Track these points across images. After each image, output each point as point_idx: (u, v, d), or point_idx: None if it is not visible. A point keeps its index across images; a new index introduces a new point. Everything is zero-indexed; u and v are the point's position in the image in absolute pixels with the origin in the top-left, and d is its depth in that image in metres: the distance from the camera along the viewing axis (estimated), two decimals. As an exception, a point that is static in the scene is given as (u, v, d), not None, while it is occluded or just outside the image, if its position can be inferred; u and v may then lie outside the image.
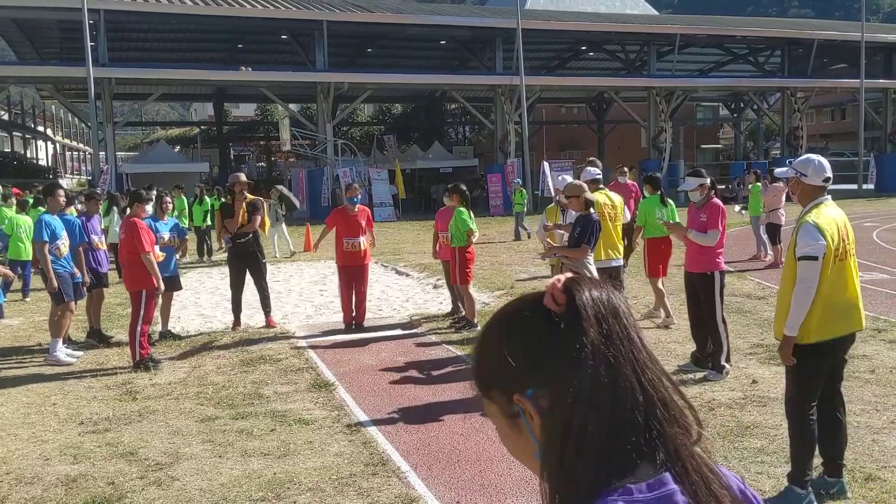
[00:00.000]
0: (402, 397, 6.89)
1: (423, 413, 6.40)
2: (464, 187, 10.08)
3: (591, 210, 7.45)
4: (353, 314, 10.07)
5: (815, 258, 4.26)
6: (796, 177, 4.54)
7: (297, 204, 17.33)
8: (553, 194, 8.38)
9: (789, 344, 4.34)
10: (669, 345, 8.43)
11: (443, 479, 5.00)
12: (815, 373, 4.41)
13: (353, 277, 9.96)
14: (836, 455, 4.53)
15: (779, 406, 6.14)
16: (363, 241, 9.99)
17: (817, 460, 4.68)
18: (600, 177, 9.18)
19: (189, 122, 71.68)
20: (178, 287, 10.15)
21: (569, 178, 8.84)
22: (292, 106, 42.77)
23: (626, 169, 12.94)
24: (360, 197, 10.30)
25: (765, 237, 15.12)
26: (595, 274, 7.30)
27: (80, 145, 74.11)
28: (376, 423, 6.18)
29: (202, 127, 60.04)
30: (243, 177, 10.33)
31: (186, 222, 19.22)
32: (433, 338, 9.32)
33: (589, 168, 9.38)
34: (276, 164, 58.38)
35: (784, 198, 14.14)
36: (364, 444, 5.67)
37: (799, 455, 4.42)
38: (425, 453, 5.49)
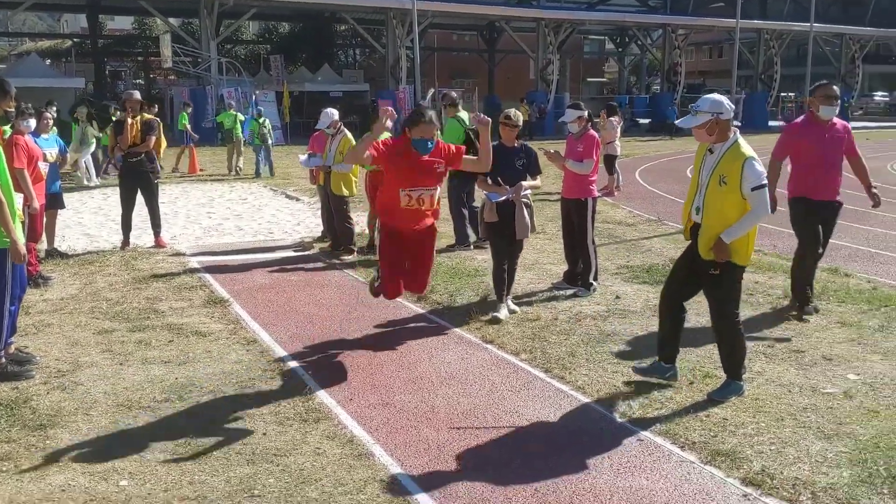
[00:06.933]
0: (296, 313, 7.25)
1: (317, 327, 6.78)
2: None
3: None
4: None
5: (766, 186, 4.88)
6: (713, 118, 4.86)
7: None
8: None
9: (726, 247, 4.85)
10: (545, 265, 9.10)
11: (337, 381, 5.45)
12: (740, 286, 5.16)
13: (410, 251, 5.92)
14: (674, 349, 5.37)
15: (637, 318, 6.91)
16: (432, 194, 5.79)
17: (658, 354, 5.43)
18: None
19: (60, 34, 67.13)
20: (61, 205, 10.01)
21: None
22: (173, 20, 40.84)
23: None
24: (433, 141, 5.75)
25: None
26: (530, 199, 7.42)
27: (-63, 54, 68.33)
28: (272, 335, 6.53)
29: (75, 40, 56.47)
30: (137, 94, 10.23)
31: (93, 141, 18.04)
32: (324, 259, 9.67)
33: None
34: (155, 81, 55.82)
35: (619, 132, 15.99)
36: (261, 353, 6.03)
37: (738, 358, 5.13)
38: (321, 360, 5.92)
